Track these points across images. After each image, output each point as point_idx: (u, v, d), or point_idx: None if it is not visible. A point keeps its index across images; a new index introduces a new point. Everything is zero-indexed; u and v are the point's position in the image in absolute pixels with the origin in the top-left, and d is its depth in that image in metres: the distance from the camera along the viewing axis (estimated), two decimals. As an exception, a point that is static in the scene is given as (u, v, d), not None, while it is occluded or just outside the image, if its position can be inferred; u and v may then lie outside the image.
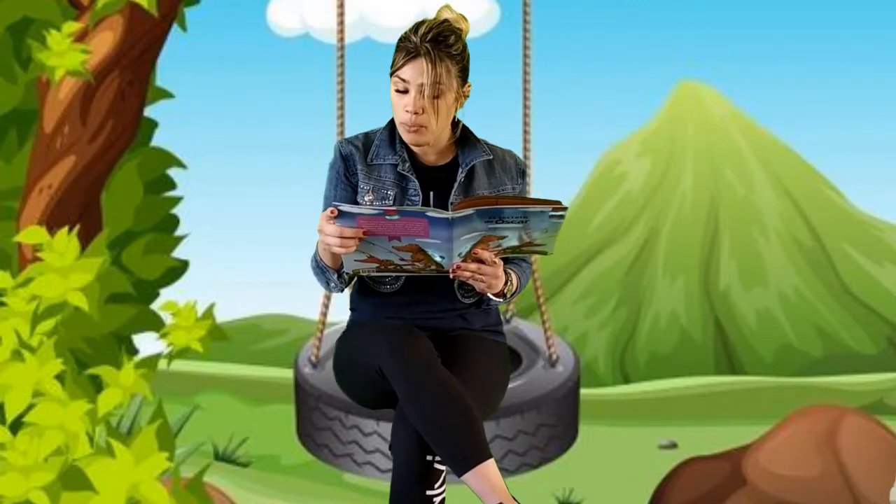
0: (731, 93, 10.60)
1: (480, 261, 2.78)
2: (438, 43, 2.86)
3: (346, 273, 2.87)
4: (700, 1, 10.34)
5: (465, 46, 2.92)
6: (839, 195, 10.51)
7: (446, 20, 2.91)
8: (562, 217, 2.74)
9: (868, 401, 8.55)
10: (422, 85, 2.85)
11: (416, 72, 2.85)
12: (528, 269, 3.05)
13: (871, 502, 6.48)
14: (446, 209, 2.90)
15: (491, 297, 2.92)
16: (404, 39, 2.89)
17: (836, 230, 10.36)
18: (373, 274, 2.86)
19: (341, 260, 2.84)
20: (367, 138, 2.99)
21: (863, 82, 10.10)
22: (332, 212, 2.71)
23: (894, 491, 4.65)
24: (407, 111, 2.87)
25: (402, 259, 2.78)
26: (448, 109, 2.89)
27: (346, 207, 2.70)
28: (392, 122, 2.99)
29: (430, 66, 2.85)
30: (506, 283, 2.88)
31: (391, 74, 2.90)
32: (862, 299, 9.96)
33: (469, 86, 2.93)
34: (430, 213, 2.67)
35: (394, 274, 2.87)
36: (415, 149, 2.96)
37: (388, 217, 2.69)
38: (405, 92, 2.88)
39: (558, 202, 2.72)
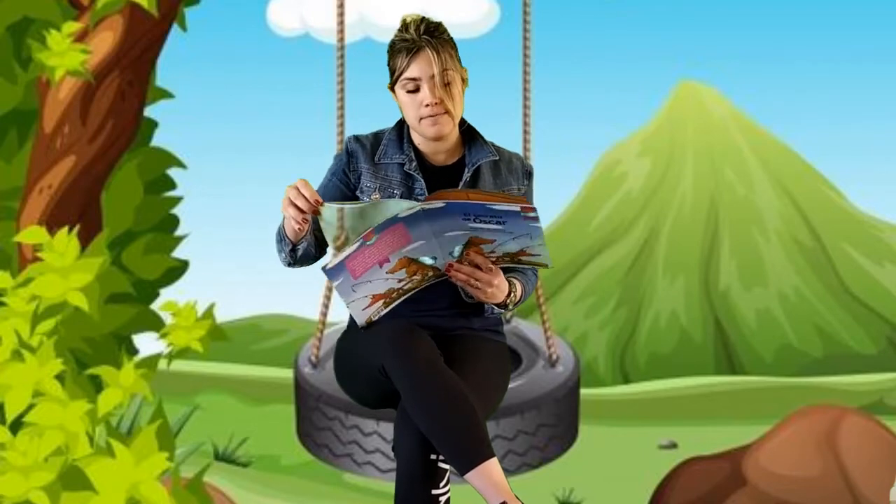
0: (731, 93, 10.61)
1: (476, 266, 2.78)
2: (433, 33, 2.91)
3: (300, 248, 2.88)
4: (700, 1, 10.34)
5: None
6: (839, 195, 10.52)
7: (423, 17, 2.95)
8: (536, 220, 2.72)
9: (868, 401, 8.55)
10: (433, 76, 2.88)
11: (423, 65, 2.88)
12: (534, 279, 3.04)
13: (871, 502, 6.48)
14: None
15: (494, 306, 2.91)
16: (399, 42, 2.92)
17: (836, 230, 10.37)
18: (384, 312, 2.86)
19: (301, 236, 2.85)
20: (377, 138, 3.02)
21: (863, 82, 10.11)
22: (297, 191, 2.75)
23: (894, 491, 4.64)
24: (426, 105, 2.89)
25: (399, 281, 2.78)
26: (460, 94, 2.93)
27: (331, 263, 2.72)
28: (400, 123, 3.01)
29: (435, 54, 2.88)
30: (508, 294, 2.88)
31: (396, 80, 2.92)
32: (862, 299, 9.97)
33: (466, 70, 2.96)
34: (402, 215, 2.67)
35: (401, 300, 2.86)
36: (428, 148, 2.97)
37: (367, 243, 2.69)
38: (416, 91, 2.90)
39: (525, 202, 2.71)
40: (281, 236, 2.91)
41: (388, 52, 2.95)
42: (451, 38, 2.94)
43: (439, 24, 2.93)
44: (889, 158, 9.81)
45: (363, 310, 2.81)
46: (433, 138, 2.94)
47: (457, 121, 2.95)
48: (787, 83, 10.19)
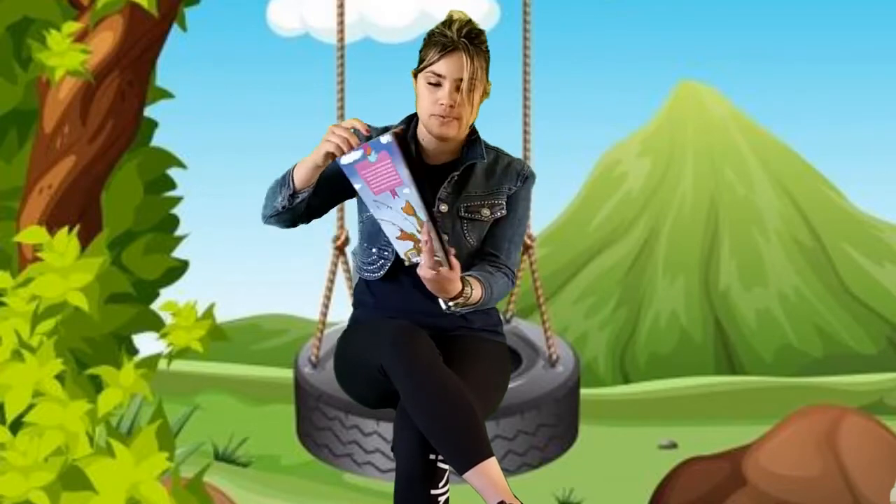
0: (731, 93, 10.63)
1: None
2: (473, 39, 2.90)
3: (301, 195, 2.89)
4: (700, 1, 10.35)
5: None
6: (839, 195, 10.53)
7: (469, 19, 2.94)
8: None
9: (868, 401, 8.56)
10: (459, 80, 2.89)
11: (453, 66, 2.89)
12: (504, 282, 2.97)
13: (871, 502, 6.48)
14: (434, 204, 2.91)
15: (442, 301, 2.86)
16: (438, 34, 2.91)
17: (836, 230, 10.38)
18: (415, 259, 2.84)
19: (310, 182, 2.86)
20: (384, 132, 3.02)
21: (863, 82, 10.11)
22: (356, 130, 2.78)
23: (894, 491, 4.65)
24: (441, 104, 2.89)
25: (419, 232, 2.77)
26: (477, 104, 2.94)
27: (345, 160, 2.74)
28: (408, 119, 3.02)
29: (468, 60, 2.89)
30: (460, 294, 2.81)
31: (422, 69, 2.92)
32: (862, 299, 9.98)
33: (490, 84, 2.96)
34: (382, 140, 2.71)
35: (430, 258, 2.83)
36: (431, 146, 2.97)
37: (369, 157, 2.73)
38: (438, 85, 2.90)
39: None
40: (286, 181, 2.89)
41: (424, 39, 2.95)
42: (488, 51, 2.93)
43: (481, 33, 2.93)
44: (889, 158, 9.82)
45: (397, 238, 2.81)
46: (437, 137, 2.94)
47: (465, 126, 2.94)
48: (787, 83, 10.20)
